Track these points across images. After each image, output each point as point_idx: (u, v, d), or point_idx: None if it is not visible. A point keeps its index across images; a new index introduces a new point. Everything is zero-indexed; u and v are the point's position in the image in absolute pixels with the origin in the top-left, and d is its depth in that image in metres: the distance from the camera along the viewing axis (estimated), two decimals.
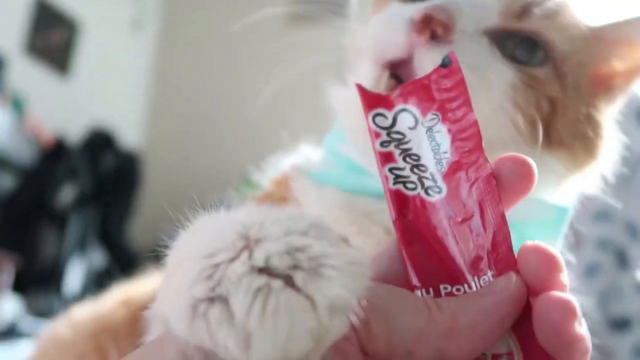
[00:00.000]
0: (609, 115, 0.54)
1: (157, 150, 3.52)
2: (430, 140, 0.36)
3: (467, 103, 0.36)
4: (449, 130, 0.36)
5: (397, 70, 0.48)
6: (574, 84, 0.50)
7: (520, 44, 0.49)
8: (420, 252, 0.36)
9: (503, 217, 0.34)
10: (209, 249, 0.28)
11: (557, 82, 0.49)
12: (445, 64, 0.37)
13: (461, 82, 0.36)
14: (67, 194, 2.52)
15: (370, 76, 0.49)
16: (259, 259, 0.26)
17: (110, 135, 2.81)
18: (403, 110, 0.37)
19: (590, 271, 1.28)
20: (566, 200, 0.53)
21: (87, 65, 3.34)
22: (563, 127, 0.49)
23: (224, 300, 0.25)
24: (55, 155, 2.50)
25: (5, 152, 2.42)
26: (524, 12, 0.50)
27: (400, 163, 0.37)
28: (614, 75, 0.55)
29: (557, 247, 0.47)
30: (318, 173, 0.55)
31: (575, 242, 0.55)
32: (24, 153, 2.48)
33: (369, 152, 0.49)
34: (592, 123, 0.51)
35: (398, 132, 0.37)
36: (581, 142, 0.51)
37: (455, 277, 0.35)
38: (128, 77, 3.69)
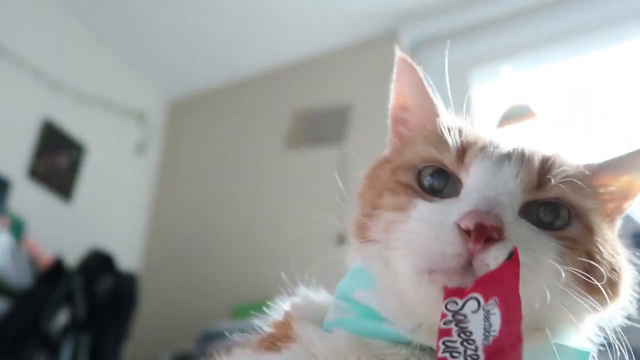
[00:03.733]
0: (624, 253, 0.60)
1: (155, 274, 3.49)
2: (485, 321, 0.43)
3: (517, 289, 0.44)
4: (503, 313, 0.43)
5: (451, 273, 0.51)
6: (600, 232, 0.56)
7: (542, 208, 0.55)
8: None
9: None
10: None
11: (589, 235, 0.55)
12: (510, 256, 0.46)
13: (517, 270, 0.45)
14: (61, 318, 2.47)
15: (418, 279, 0.52)
16: None
17: (108, 257, 2.80)
18: (472, 298, 0.45)
19: None
20: (588, 340, 0.58)
21: (89, 188, 3.40)
22: (600, 276, 0.54)
23: None
24: (52, 278, 2.47)
25: (1, 274, 2.40)
26: (541, 183, 0.56)
27: (454, 337, 0.44)
28: (606, 206, 0.62)
29: None
30: (331, 322, 0.58)
31: None
32: (20, 276, 2.46)
33: (390, 302, 0.55)
34: (616, 266, 0.56)
35: (462, 315, 0.45)
36: (609, 287, 0.55)
37: None
38: (129, 201, 3.74)
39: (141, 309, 2.84)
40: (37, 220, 2.91)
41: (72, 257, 2.71)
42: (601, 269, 0.54)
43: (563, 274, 0.51)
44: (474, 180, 0.56)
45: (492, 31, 3.02)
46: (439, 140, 0.60)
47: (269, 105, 3.65)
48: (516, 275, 0.44)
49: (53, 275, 2.50)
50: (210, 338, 2.50)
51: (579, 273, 0.52)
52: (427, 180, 0.59)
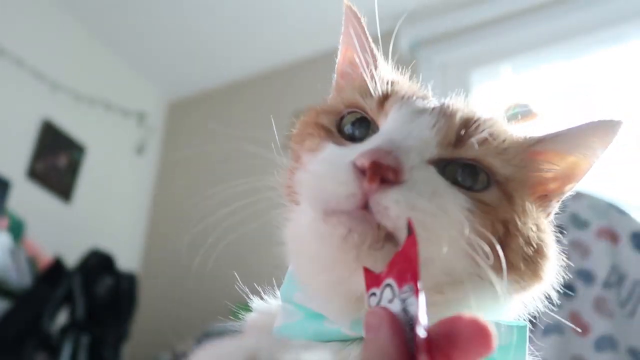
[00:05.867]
0: (550, 232, 0.55)
1: (155, 274, 3.49)
2: (404, 314, 0.37)
3: (416, 266, 0.37)
4: (420, 301, 0.36)
5: (346, 216, 0.46)
6: (521, 203, 0.51)
7: (460, 170, 0.51)
8: None
9: None
10: None
11: (506, 204, 0.50)
12: (410, 231, 0.39)
13: (415, 247, 0.38)
14: (61, 318, 2.47)
15: (318, 224, 0.48)
16: None
17: (108, 257, 2.80)
18: (387, 285, 0.39)
19: None
20: (515, 316, 0.54)
21: (89, 189, 3.40)
22: (516, 249, 0.50)
23: None
24: (52, 278, 2.47)
25: (1, 274, 2.40)
26: (459, 141, 0.51)
27: None
28: (546, 186, 0.57)
29: None
30: (280, 327, 0.54)
31: None
32: (20, 276, 2.46)
33: (321, 294, 0.50)
34: (539, 244, 0.52)
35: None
36: (528, 264, 0.51)
37: None
38: (129, 201, 3.74)
39: (141, 309, 2.84)
40: (36, 220, 2.91)
41: (72, 257, 2.71)
42: (517, 243, 0.49)
43: (467, 229, 0.46)
44: (387, 125, 0.53)
45: (492, 31, 3.02)
46: (367, 88, 0.57)
47: (269, 105, 3.65)
48: (415, 252, 0.38)
49: (53, 275, 2.50)
50: (210, 338, 2.50)
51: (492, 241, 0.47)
52: (347, 129, 0.56)
